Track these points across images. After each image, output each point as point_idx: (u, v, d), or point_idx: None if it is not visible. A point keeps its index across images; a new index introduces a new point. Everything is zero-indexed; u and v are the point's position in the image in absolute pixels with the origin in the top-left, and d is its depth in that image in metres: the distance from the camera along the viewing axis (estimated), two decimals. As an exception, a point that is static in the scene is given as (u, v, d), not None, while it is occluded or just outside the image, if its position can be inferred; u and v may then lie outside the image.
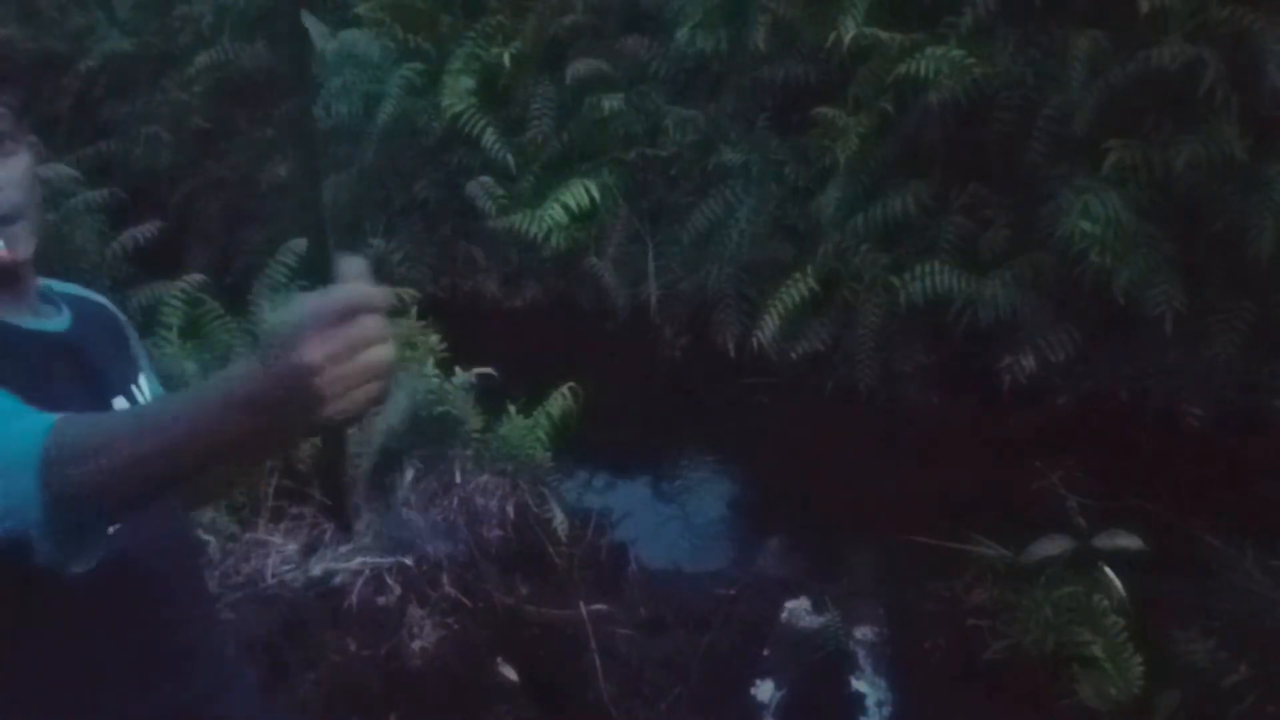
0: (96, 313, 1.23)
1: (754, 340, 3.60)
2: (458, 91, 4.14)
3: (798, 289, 3.60)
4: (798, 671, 2.58)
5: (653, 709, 2.42)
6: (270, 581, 2.59)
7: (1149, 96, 2.90)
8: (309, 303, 0.70)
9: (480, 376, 2.85)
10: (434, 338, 2.95)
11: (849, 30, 3.36)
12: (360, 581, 2.53)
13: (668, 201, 4.17)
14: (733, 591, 2.63)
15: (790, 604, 2.72)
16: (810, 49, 3.67)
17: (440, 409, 2.79)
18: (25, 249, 1.06)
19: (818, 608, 2.73)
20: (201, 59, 4.64)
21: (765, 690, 2.54)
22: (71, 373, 1.08)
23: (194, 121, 4.82)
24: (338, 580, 2.57)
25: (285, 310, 0.70)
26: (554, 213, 4.02)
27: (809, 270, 3.64)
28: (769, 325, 3.58)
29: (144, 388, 1.20)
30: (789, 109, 3.86)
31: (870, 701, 2.58)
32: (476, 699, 2.34)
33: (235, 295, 3.80)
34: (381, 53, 4.29)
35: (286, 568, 2.64)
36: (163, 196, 4.75)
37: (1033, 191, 3.22)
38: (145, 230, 4.29)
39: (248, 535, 2.70)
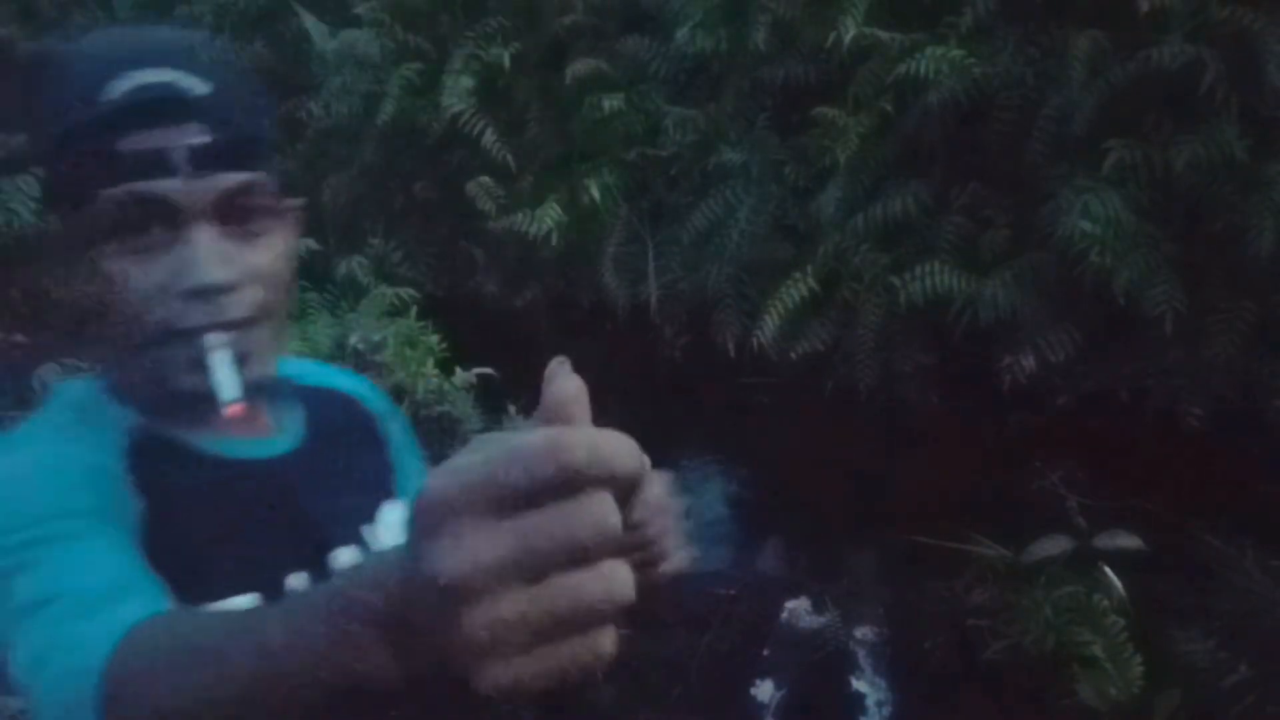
0: (341, 415, 0.94)
1: (754, 340, 3.60)
2: (458, 91, 4.14)
3: (798, 289, 3.60)
4: (798, 671, 2.58)
5: (653, 709, 2.42)
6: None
7: (1149, 96, 2.90)
8: (496, 447, 0.40)
9: (480, 376, 2.85)
10: (434, 338, 2.96)
11: (849, 30, 3.36)
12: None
13: (668, 201, 4.17)
14: (733, 591, 2.62)
15: (790, 604, 2.72)
16: (810, 49, 3.67)
17: (440, 409, 2.79)
18: (263, 364, 0.79)
19: (818, 608, 2.73)
20: (201, 59, 4.64)
21: (765, 690, 2.54)
22: (280, 517, 0.80)
23: (194, 121, 4.82)
24: (338, 580, 2.57)
25: (467, 453, 0.41)
26: (554, 213, 4.02)
27: (809, 270, 3.64)
28: (769, 325, 3.58)
29: (389, 526, 0.88)
30: (789, 109, 3.86)
31: (870, 701, 2.58)
32: (475, 698, 2.34)
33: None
34: (381, 53, 4.28)
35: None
36: (163, 196, 4.74)
37: (1033, 191, 3.22)
38: (145, 230, 4.28)
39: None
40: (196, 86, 0.75)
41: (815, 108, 3.58)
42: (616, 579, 0.40)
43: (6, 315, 4.17)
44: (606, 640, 0.40)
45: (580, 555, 0.39)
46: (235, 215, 0.76)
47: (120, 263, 0.74)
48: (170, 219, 0.74)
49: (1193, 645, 2.36)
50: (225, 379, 0.74)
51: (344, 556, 0.82)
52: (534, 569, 0.39)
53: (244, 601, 0.74)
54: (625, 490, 0.41)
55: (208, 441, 0.80)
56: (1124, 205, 2.91)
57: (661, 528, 0.77)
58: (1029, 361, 3.26)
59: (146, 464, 0.75)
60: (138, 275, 0.74)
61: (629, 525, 0.81)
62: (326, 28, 4.35)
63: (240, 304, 0.76)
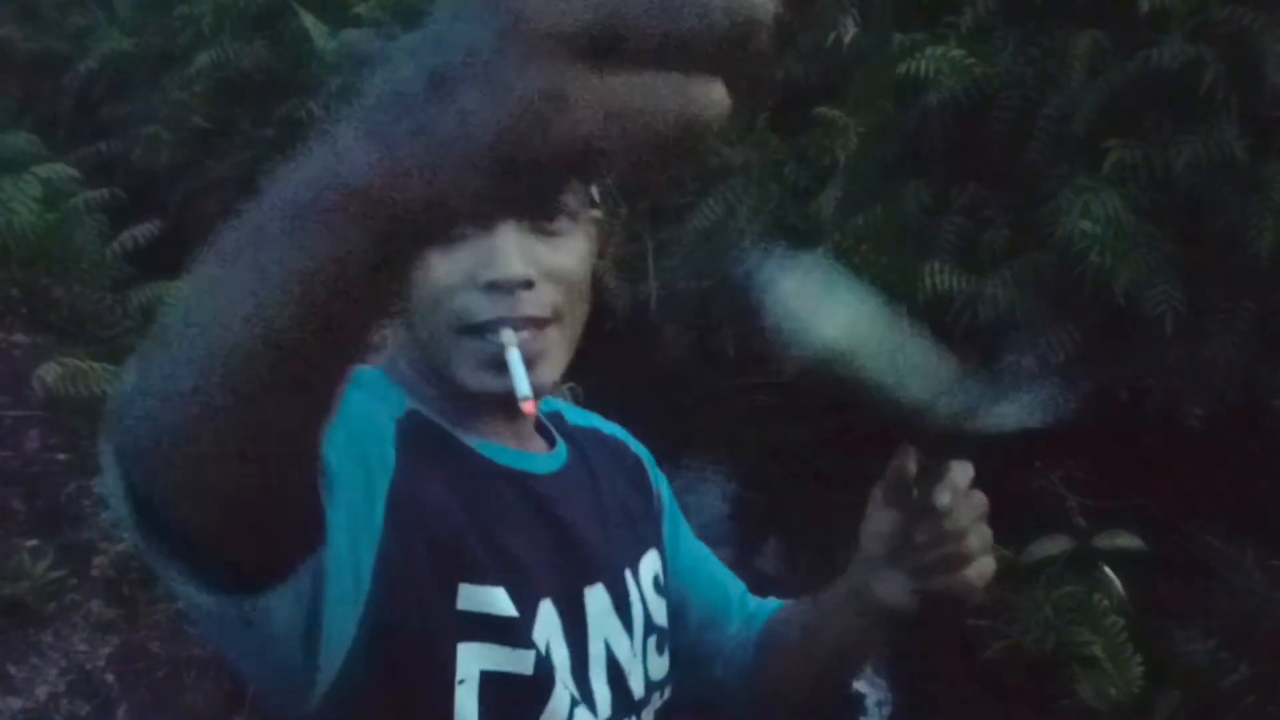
0: (610, 454, 0.94)
1: (754, 340, 3.60)
2: (458, 91, 4.14)
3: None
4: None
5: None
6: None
7: (1149, 96, 2.90)
8: None
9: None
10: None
11: (849, 30, 3.36)
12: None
13: (668, 201, 4.17)
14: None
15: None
16: (810, 49, 3.67)
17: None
18: (552, 368, 0.79)
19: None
20: (201, 59, 4.64)
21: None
22: (539, 534, 0.79)
23: (194, 121, 4.82)
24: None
25: None
26: (554, 213, 4.02)
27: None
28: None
29: (646, 576, 0.89)
30: (789, 109, 3.86)
31: (870, 702, 2.58)
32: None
33: (235, 295, 3.79)
34: (381, 53, 4.29)
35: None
36: (163, 196, 4.75)
37: (1033, 191, 3.22)
38: (145, 230, 4.30)
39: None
40: None
41: (815, 108, 3.58)
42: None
43: (6, 315, 4.17)
44: (713, 93, 0.32)
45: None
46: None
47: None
48: None
49: (1193, 645, 2.36)
50: (520, 374, 0.74)
51: (597, 597, 0.81)
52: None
53: (493, 591, 0.74)
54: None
55: (475, 440, 0.80)
56: (1124, 205, 2.91)
57: (969, 518, 0.84)
58: (1029, 361, 3.26)
59: (413, 444, 0.75)
60: (439, 266, 0.74)
61: (932, 509, 0.80)
62: (326, 28, 4.36)
63: (537, 302, 0.76)
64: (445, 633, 0.72)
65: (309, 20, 4.32)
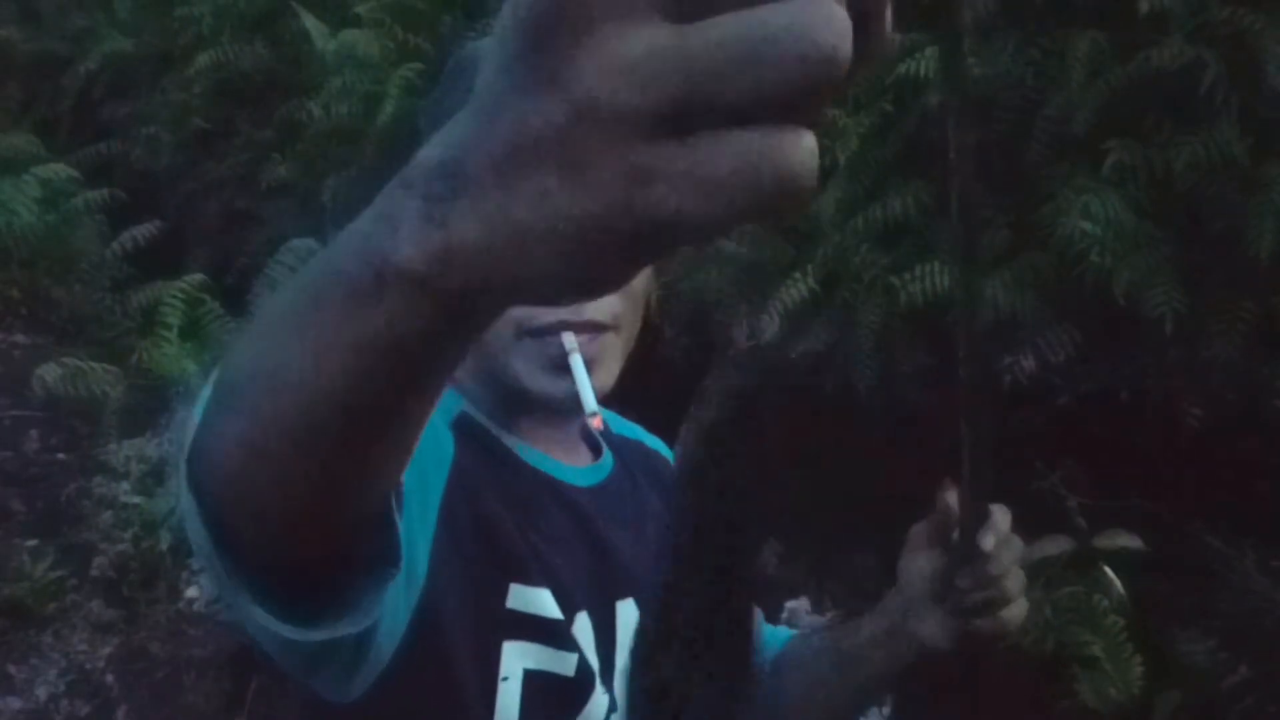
0: (648, 466, 0.97)
1: (754, 340, 3.59)
2: (458, 92, 4.14)
3: (798, 289, 3.61)
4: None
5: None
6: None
7: (1149, 97, 2.90)
8: None
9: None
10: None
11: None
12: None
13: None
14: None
15: (790, 604, 2.72)
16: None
17: (440, 409, 2.80)
18: (608, 373, 0.81)
19: (818, 608, 2.73)
20: (201, 59, 4.64)
21: (765, 690, 2.54)
22: (576, 546, 0.81)
23: (194, 121, 4.82)
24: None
25: None
26: (554, 213, 4.02)
27: (809, 270, 3.64)
28: (769, 325, 3.58)
29: None
30: (789, 109, 3.86)
31: (870, 701, 2.58)
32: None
33: (235, 295, 3.80)
34: (381, 53, 4.29)
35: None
36: (163, 196, 4.75)
37: (1033, 191, 3.22)
38: (145, 230, 4.30)
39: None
40: None
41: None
42: (822, 24, 0.27)
43: (7, 315, 4.17)
44: (803, 145, 0.29)
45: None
46: None
47: None
48: None
49: (1193, 645, 2.36)
50: (586, 387, 0.75)
51: (627, 611, 0.83)
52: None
53: (541, 593, 0.75)
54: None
55: (520, 446, 0.81)
56: (1124, 205, 2.91)
57: (1009, 561, 0.85)
58: (1029, 361, 3.26)
59: (465, 445, 0.76)
60: None
61: (973, 552, 0.81)
62: (326, 28, 4.35)
63: (600, 309, 0.77)
64: (493, 629, 0.74)
65: (309, 20, 4.31)
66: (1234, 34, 2.71)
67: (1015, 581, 0.87)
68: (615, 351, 0.81)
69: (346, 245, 0.38)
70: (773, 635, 1.08)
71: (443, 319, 0.35)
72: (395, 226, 0.34)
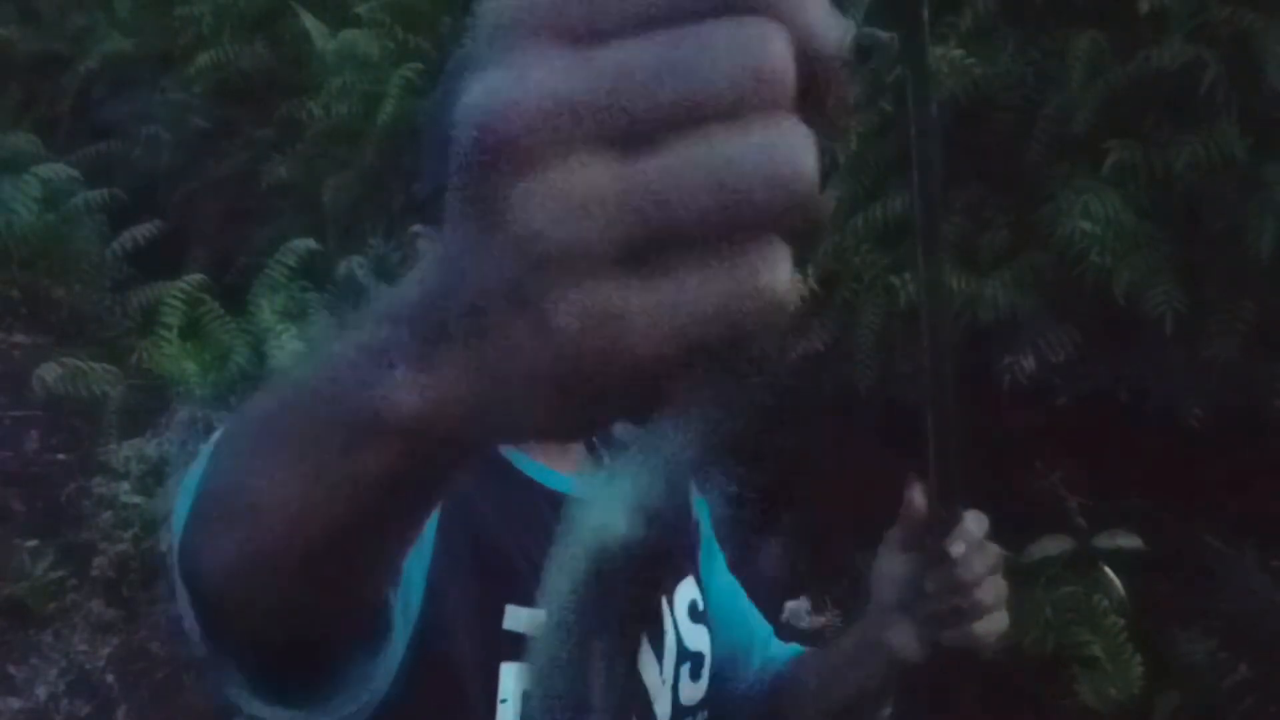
0: None
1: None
2: (458, 91, 4.14)
3: (797, 289, 3.60)
4: (798, 671, 2.58)
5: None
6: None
7: (1149, 96, 2.90)
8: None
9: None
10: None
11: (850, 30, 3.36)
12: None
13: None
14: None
15: (790, 604, 2.72)
16: (810, 49, 3.67)
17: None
18: None
19: (818, 608, 2.73)
20: (201, 59, 4.64)
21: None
22: None
23: (194, 121, 4.82)
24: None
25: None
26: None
27: (809, 270, 3.64)
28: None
29: (680, 604, 0.91)
30: (789, 109, 3.85)
31: (870, 701, 2.57)
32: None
33: (235, 295, 3.80)
34: (381, 53, 4.28)
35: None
36: (163, 196, 4.74)
37: (1033, 191, 3.22)
38: (145, 230, 4.30)
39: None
40: None
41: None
42: (784, 141, 0.26)
43: (7, 315, 4.17)
44: (777, 263, 0.27)
45: (713, 101, 0.25)
46: None
47: None
48: None
49: (1193, 645, 2.36)
50: None
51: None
52: (629, 118, 0.25)
53: (537, 614, 0.74)
54: (806, 70, 0.28)
55: (519, 458, 0.81)
56: (1124, 205, 2.91)
57: (983, 570, 0.82)
58: (1029, 361, 3.26)
59: None
60: None
61: (940, 557, 0.79)
62: (326, 28, 4.35)
63: None
64: (490, 652, 0.74)
65: (309, 20, 4.31)
66: (1234, 34, 2.71)
67: (991, 592, 0.84)
68: None
69: (339, 377, 0.36)
70: (780, 651, 1.08)
71: (438, 458, 0.35)
72: (391, 365, 0.32)
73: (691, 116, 0.25)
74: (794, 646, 1.10)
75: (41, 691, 2.93)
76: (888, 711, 1.00)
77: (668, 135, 0.25)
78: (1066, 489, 2.73)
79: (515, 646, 0.74)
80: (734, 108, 0.26)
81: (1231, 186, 2.84)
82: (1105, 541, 2.55)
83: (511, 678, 0.74)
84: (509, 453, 0.82)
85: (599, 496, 0.36)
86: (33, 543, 3.25)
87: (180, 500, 0.52)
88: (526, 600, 0.75)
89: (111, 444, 3.48)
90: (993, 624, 0.84)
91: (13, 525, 3.35)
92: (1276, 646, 2.33)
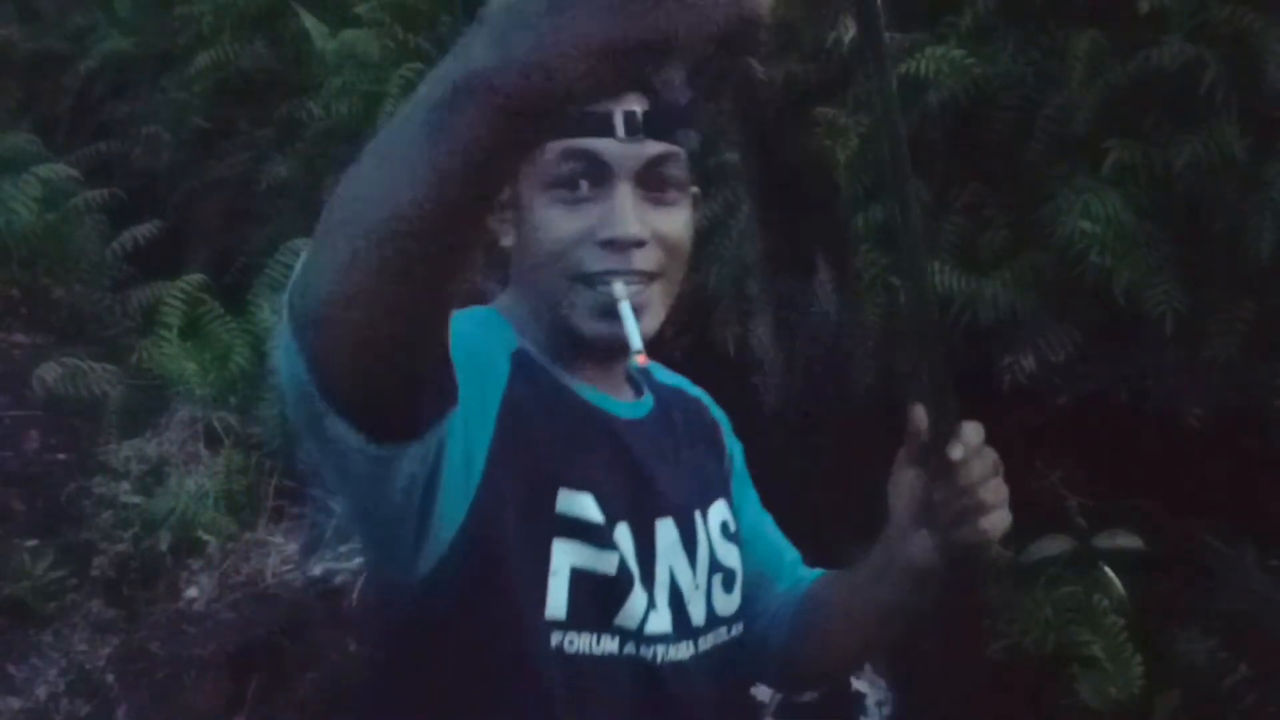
0: (688, 411, 1.05)
1: (754, 340, 3.60)
2: (458, 91, 4.14)
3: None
4: (798, 671, 2.58)
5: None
6: (270, 581, 2.58)
7: (1149, 96, 2.90)
8: None
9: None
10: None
11: (849, 30, 3.36)
12: (360, 581, 2.53)
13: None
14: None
15: (790, 604, 2.72)
16: (810, 49, 3.67)
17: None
18: (654, 318, 0.88)
19: (818, 608, 2.72)
20: (201, 58, 4.64)
21: (764, 690, 2.54)
22: (617, 472, 0.88)
23: (194, 121, 4.82)
24: (338, 580, 2.57)
25: None
26: (554, 213, 4.02)
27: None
28: (769, 325, 3.58)
29: (714, 521, 0.98)
30: (789, 109, 3.86)
31: (870, 701, 2.58)
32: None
33: (235, 295, 3.80)
34: (381, 53, 4.28)
35: (286, 568, 2.64)
36: (163, 196, 4.74)
37: (1033, 191, 3.22)
38: (145, 230, 4.30)
39: (247, 535, 2.70)
40: None
41: (815, 108, 3.57)
42: None
43: (7, 315, 4.17)
44: None
45: None
46: (653, 181, 0.86)
47: (550, 210, 0.85)
48: (599, 176, 0.84)
49: (1193, 645, 2.36)
50: (634, 329, 0.82)
51: (666, 529, 0.91)
52: None
53: (586, 498, 0.83)
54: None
55: (571, 380, 0.89)
56: (1124, 205, 2.91)
57: (983, 472, 0.89)
58: (1029, 361, 3.26)
59: (521, 373, 0.85)
60: (562, 222, 0.85)
61: (945, 468, 0.88)
62: (326, 27, 4.35)
63: (647, 259, 0.85)
64: (544, 528, 0.82)
65: (309, 20, 4.31)
66: (1234, 34, 2.71)
67: (992, 492, 0.90)
68: (660, 298, 0.88)
69: (432, 76, 0.50)
70: (808, 574, 1.15)
71: (503, 119, 0.46)
72: (468, 48, 0.47)
73: None
74: (816, 571, 1.17)
75: (41, 691, 2.93)
76: (886, 709, 1.06)
77: None
78: (1066, 489, 2.73)
79: (566, 526, 0.82)
80: None
81: (1231, 186, 2.84)
82: (1105, 541, 2.55)
83: (563, 553, 0.81)
84: (565, 377, 0.90)
85: None
86: (33, 543, 3.25)
87: (296, 267, 0.61)
88: (575, 486, 0.83)
89: (111, 444, 3.48)
90: (997, 520, 0.90)
91: (13, 525, 3.34)
92: (1276, 646, 2.33)
